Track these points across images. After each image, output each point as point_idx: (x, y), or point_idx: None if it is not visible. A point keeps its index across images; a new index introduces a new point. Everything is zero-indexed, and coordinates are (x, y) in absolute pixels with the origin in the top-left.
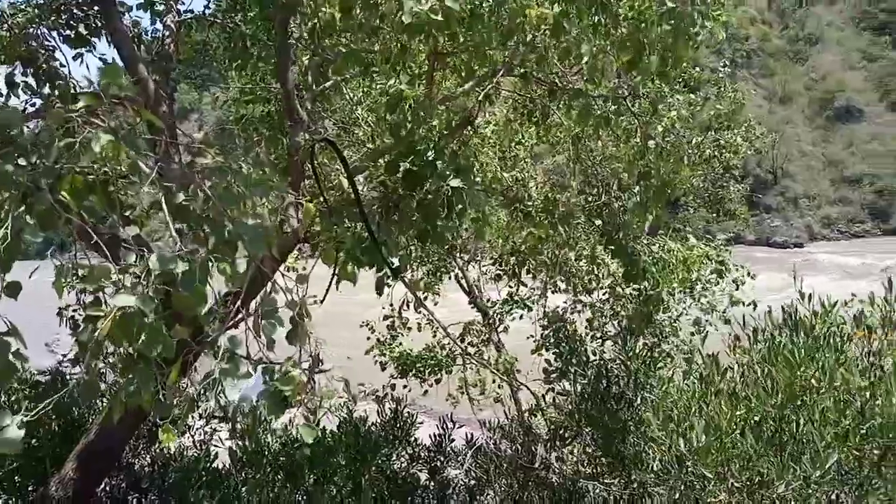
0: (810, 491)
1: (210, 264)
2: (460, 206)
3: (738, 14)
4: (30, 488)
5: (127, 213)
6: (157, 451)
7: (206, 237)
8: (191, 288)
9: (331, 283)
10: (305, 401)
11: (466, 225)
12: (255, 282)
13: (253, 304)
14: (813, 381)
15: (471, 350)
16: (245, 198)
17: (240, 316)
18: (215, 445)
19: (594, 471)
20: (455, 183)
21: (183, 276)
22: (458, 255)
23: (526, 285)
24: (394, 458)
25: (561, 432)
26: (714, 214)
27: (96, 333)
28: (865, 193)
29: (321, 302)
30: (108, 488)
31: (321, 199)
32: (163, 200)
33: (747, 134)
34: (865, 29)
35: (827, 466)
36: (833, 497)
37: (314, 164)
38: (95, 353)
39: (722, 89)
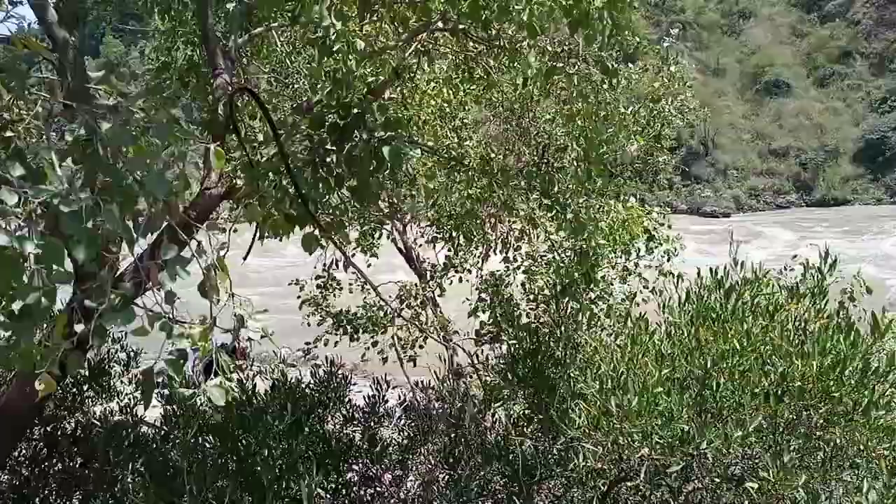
0: (730, 449)
1: (100, 207)
2: (390, 161)
3: None
4: None
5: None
6: (81, 414)
7: (95, 178)
8: (76, 231)
9: (254, 238)
10: (242, 365)
11: (399, 182)
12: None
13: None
14: (737, 343)
15: (407, 312)
16: (143, 139)
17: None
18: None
19: (526, 429)
20: (384, 136)
21: (69, 215)
22: (396, 217)
23: (457, 253)
24: (328, 419)
25: (493, 392)
26: (647, 184)
27: None
28: (791, 166)
29: (244, 259)
30: (28, 451)
31: (243, 151)
32: (46, 139)
33: (681, 106)
34: (795, 5)
35: (750, 428)
36: (750, 453)
37: (234, 114)
38: None
39: (666, 60)
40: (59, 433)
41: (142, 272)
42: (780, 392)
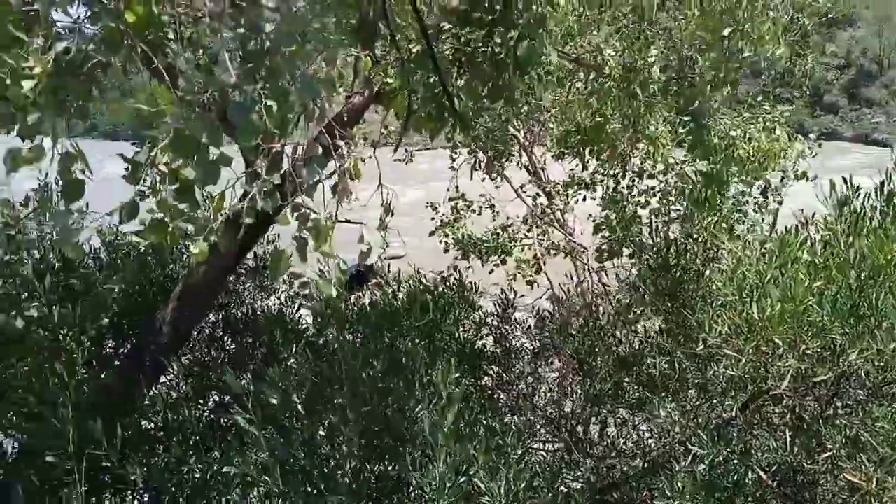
0: (883, 362)
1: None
2: (523, 61)
3: None
4: (133, 332)
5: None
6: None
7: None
8: (242, 118)
9: (401, 136)
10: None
11: (530, 83)
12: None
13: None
14: None
15: (536, 230)
16: (303, 43)
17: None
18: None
19: (663, 341)
20: (523, 33)
21: (234, 104)
22: (522, 132)
23: (587, 168)
24: (462, 323)
25: (628, 304)
26: (791, 98)
27: (153, 153)
28: None
29: (394, 151)
30: (206, 330)
31: (396, 52)
32: (219, 36)
33: None
34: None
35: None
36: None
37: (387, 15)
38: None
39: None
40: (230, 318)
41: (290, 168)
42: None
